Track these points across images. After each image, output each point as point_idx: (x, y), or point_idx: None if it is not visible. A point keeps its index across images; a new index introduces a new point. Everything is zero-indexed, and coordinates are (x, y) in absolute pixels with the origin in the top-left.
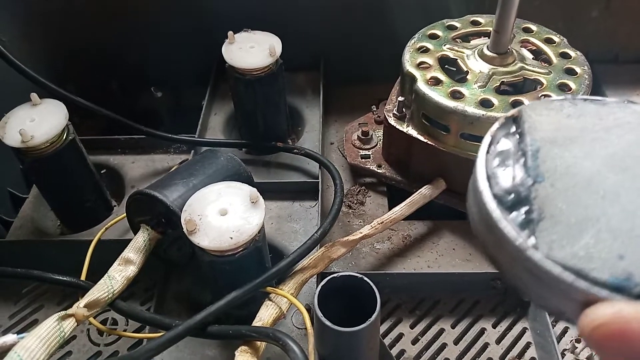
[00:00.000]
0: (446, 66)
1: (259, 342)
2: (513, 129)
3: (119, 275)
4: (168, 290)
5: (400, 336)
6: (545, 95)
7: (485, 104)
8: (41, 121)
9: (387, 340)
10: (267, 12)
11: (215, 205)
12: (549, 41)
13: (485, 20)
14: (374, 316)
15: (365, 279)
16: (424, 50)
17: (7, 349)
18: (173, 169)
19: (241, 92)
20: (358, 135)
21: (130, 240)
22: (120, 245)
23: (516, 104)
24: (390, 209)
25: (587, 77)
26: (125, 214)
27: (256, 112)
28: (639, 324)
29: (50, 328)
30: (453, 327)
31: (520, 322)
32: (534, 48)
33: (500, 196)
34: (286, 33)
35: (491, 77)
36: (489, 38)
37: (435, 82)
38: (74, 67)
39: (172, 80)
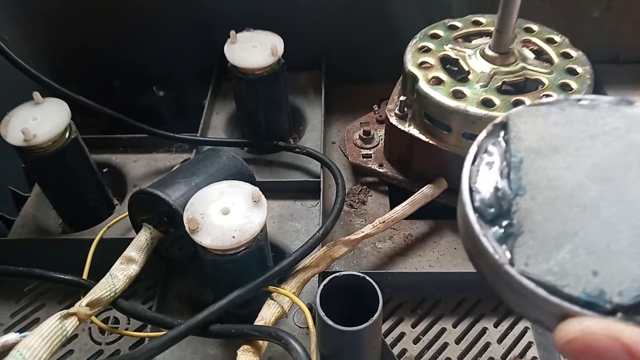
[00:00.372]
0: (448, 66)
1: (261, 341)
2: (501, 136)
3: (121, 274)
4: (170, 289)
5: (401, 335)
6: (546, 95)
7: (486, 103)
8: (43, 120)
9: (388, 340)
10: (268, 11)
11: (218, 204)
12: (550, 41)
13: (487, 20)
14: (375, 315)
15: (367, 278)
16: (426, 50)
17: (9, 347)
18: (175, 167)
19: (243, 92)
20: (360, 135)
21: (132, 239)
22: (122, 244)
23: (517, 103)
24: (391, 208)
25: (588, 76)
26: (127, 213)
27: (258, 112)
28: (607, 340)
29: (52, 327)
30: (454, 326)
31: (522, 322)
32: (536, 48)
33: (482, 210)
34: (288, 32)
35: (493, 76)
36: (490, 38)
37: (437, 81)
38: (76, 66)
39: (174, 79)
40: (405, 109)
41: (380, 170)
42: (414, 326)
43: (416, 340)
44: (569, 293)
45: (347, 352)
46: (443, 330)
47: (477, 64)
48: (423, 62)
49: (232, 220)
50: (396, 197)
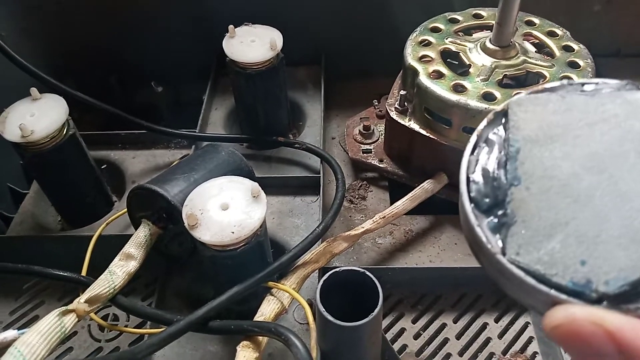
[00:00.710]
0: (448, 59)
1: (260, 337)
2: (501, 125)
3: (120, 270)
4: (169, 286)
5: (402, 331)
6: None
7: (487, 97)
8: (41, 116)
9: (389, 335)
10: (267, 6)
11: (217, 200)
12: (551, 34)
13: (488, 13)
14: (376, 311)
15: (368, 273)
16: (426, 44)
17: (7, 344)
18: (174, 163)
19: (242, 87)
20: (359, 130)
21: (131, 235)
22: (121, 240)
23: None
24: (391, 203)
25: (590, 70)
26: (126, 209)
27: (257, 107)
28: (590, 326)
29: (51, 324)
30: (455, 321)
31: (523, 317)
32: (537, 41)
33: (478, 200)
34: (287, 27)
35: (494, 70)
36: (491, 31)
37: (438, 75)
38: (74, 61)
39: (172, 74)
40: (406, 104)
41: (381, 165)
42: (414, 322)
43: (417, 336)
44: (557, 282)
45: (347, 348)
46: (444, 325)
47: (477, 57)
48: (423, 56)
49: (232, 216)
50: (396, 193)
